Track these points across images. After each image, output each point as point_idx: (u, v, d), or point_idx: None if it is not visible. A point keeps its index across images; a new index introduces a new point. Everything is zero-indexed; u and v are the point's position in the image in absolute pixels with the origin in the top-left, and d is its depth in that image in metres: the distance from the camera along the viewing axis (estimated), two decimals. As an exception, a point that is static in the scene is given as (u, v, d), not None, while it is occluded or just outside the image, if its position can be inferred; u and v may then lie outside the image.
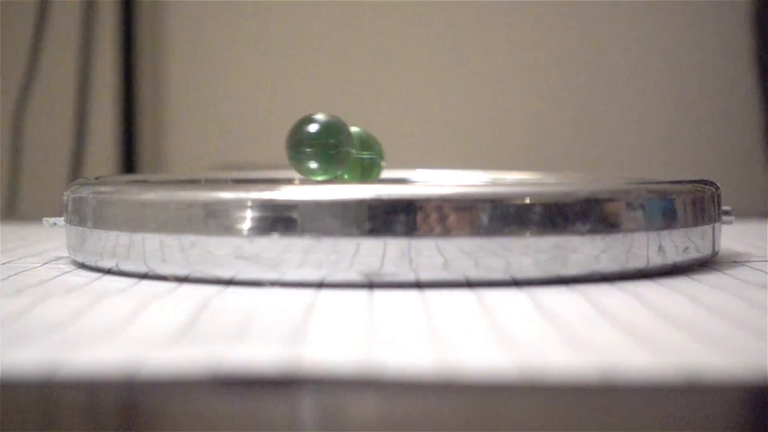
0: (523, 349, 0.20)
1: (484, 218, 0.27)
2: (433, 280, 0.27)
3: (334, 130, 0.32)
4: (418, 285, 0.27)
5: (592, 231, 0.27)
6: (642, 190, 0.29)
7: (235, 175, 0.44)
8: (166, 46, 0.81)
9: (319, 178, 0.33)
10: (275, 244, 0.27)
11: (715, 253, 0.31)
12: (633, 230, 0.28)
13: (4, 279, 0.30)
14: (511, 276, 0.27)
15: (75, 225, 0.31)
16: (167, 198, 0.29)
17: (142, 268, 0.29)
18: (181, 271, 0.28)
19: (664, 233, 0.29)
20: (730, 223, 0.33)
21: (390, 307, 0.24)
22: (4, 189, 0.79)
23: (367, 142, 0.33)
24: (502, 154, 0.79)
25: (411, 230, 0.26)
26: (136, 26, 0.79)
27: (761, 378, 0.18)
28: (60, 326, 0.22)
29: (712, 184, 0.32)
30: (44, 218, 0.34)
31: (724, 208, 0.32)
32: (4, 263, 0.33)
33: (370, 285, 0.27)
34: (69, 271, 0.31)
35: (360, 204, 0.26)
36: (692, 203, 0.30)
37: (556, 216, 0.27)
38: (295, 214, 0.27)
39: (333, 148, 0.32)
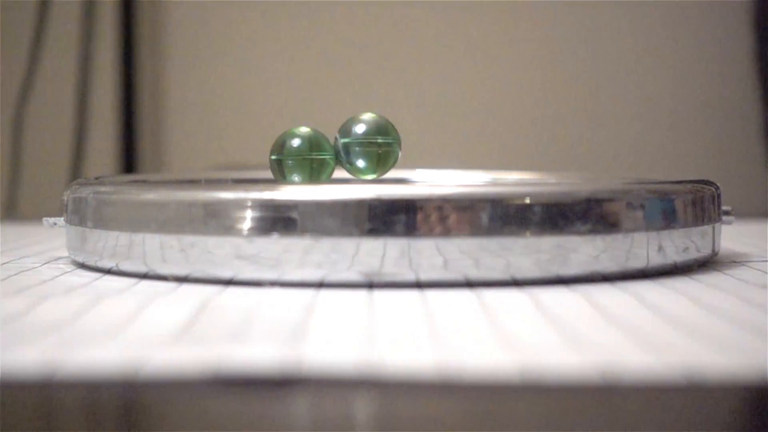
0: (523, 349, 0.19)
1: (484, 218, 0.27)
2: (433, 280, 0.27)
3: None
4: (418, 285, 0.27)
5: (592, 231, 0.27)
6: (642, 190, 0.29)
7: (235, 175, 0.44)
8: (166, 46, 0.81)
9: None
10: (275, 244, 0.27)
11: (715, 253, 0.31)
12: (633, 230, 0.28)
13: (4, 279, 0.30)
14: (511, 276, 0.27)
15: (75, 225, 0.31)
16: (167, 198, 0.29)
17: (142, 268, 0.29)
18: (181, 271, 0.28)
19: (664, 233, 0.29)
20: (730, 223, 0.33)
21: (390, 307, 0.24)
22: (4, 189, 0.79)
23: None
24: (502, 154, 0.79)
25: (411, 230, 0.26)
26: (136, 26, 0.79)
27: (761, 378, 0.18)
28: (60, 326, 0.22)
29: (712, 184, 0.32)
30: (44, 218, 0.34)
31: (724, 208, 0.32)
32: (4, 263, 0.33)
33: (370, 285, 0.27)
34: (69, 271, 0.31)
35: (360, 204, 0.26)
36: (692, 203, 0.30)
37: (556, 216, 0.27)
38: (295, 214, 0.27)
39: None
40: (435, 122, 0.79)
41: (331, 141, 0.33)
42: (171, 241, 0.28)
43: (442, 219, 0.27)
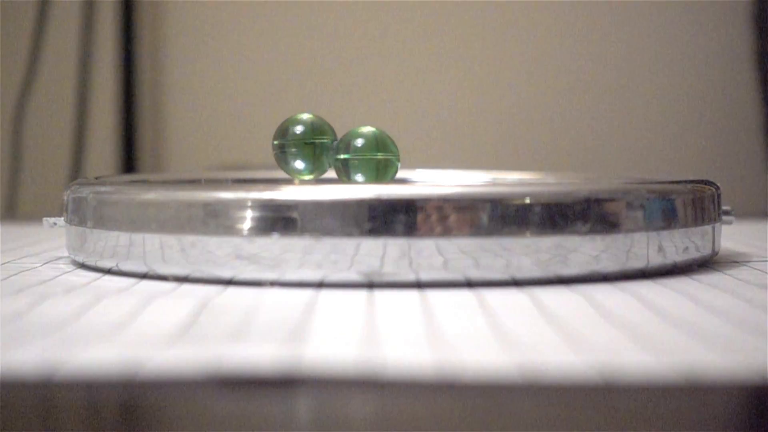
0: (523, 349, 0.20)
1: (484, 218, 0.27)
2: (433, 280, 0.27)
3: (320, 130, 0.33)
4: (418, 285, 0.27)
5: (592, 231, 0.27)
6: (642, 190, 0.29)
7: (235, 175, 0.44)
8: (166, 46, 0.81)
9: (306, 177, 0.33)
10: (275, 244, 0.27)
11: (715, 253, 0.31)
12: (633, 230, 0.28)
13: (4, 279, 0.30)
14: (511, 276, 0.27)
15: (75, 225, 0.31)
16: (167, 198, 0.29)
17: (142, 268, 0.29)
18: (181, 271, 0.28)
19: (664, 233, 0.29)
20: (730, 223, 0.33)
21: (390, 307, 0.24)
22: (4, 189, 0.79)
23: (382, 143, 0.33)
24: (502, 154, 0.79)
25: (411, 230, 0.26)
26: (136, 26, 0.79)
27: (761, 378, 0.18)
28: (60, 326, 0.22)
29: (712, 184, 0.32)
30: (44, 218, 0.34)
31: (724, 208, 0.32)
32: (4, 263, 0.33)
33: (370, 285, 0.27)
34: (69, 271, 0.31)
35: (360, 204, 0.26)
36: (692, 203, 0.30)
37: (556, 216, 0.27)
38: (295, 214, 0.27)
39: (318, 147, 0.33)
40: (435, 122, 0.79)
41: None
42: (171, 241, 0.28)
43: (442, 219, 0.27)
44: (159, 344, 0.20)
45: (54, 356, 0.19)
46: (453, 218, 0.27)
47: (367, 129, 0.33)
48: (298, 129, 0.33)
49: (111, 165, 0.79)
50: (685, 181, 0.31)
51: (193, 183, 0.38)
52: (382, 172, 0.33)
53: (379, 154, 0.33)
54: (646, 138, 0.78)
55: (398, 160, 0.33)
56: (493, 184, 0.39)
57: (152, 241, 0.28)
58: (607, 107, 0.79)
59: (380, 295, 0.26)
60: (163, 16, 0.80)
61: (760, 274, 0.30)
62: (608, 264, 0.28)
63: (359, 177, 0.33)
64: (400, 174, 0.41)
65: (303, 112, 0.34)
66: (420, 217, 0.26)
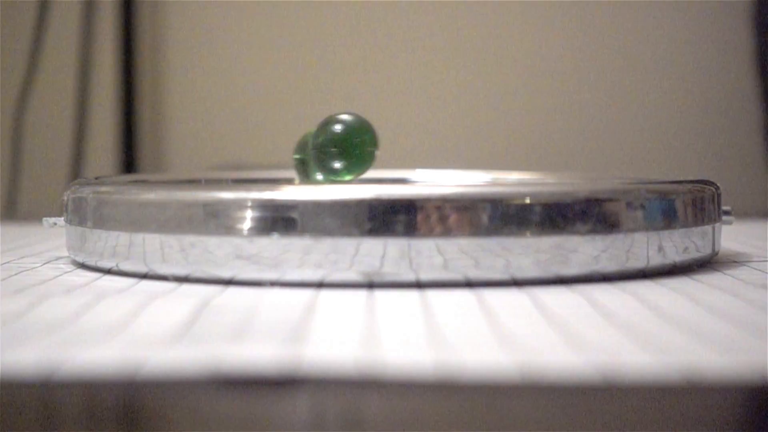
0: (523, 349, 0.20)
1: (484, 218, 0.27)
2: (433, 280, 0.27)
3: (359, 129, 0.32)
4: (418, 285, 0.27)
5: (592, 231, 0.27)
6: (642, 190, 0.29)
7: (235, 175, 0.44)
8: (166, 46, 0.80)
9: (347, 178, 0.33)
10: (275, 244, 0.27)
11: (715, 253, 0.31)
12: (633, 230, 0.28)
13: (4, 279, 0.30)
14: (511, 276, 0.27)
15: (75, 225, 0.31)
16: (167, 198, 0.29)
17: (142, 268, 0.29)
18: (181, 271, 0.28)
19: (664, 233, 0.29)
20: (730, 223, 0.33)
21: (390, 307, 0.24)
22: (4, 189, 0.79)
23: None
24: (502, 154, 0.79)
25: (411, 230, 0.26)
26: (136, 26, 0.79)
27: (761, 378, 0.18)
28: (60, 326, 0.22)
29: (712, 184, 0.32)
30: (44, 218, 0.34)
31: (724, 208, 0.32)
32: (4, 263, 0.33)
33: (370, 285, 0.27)
34: (69, 271, 0.31)
35: (360, 204, 0.26)
36: (692, 203, 0.30)
37: (556, 216, 0.27)
38: (295, 214, 0.27)
39: (357, 147, 0.32)
40: (435, 122, 0.79)
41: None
42: (171, 241, 0.28)
43: (442, 219, 0.27)
44: (159, 344, 0.20)
45: (54, 356, 0.19)
46: (453, 218, 0.27)
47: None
48: (338, 128, 0.32)
49: (111, 165, 0.79)
50: (685, 181, 0.31)
51: (193, 183, 0.38)
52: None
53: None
54: (646, 138, 0.78)
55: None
56: (493, 184, 0.39)
57: (152, 241, 0.28)
58: (607, 107, 0.79)
59: (380, 295, 0.26)
60: (163, 16, 0.80)
61: (760, 274, 0.30)
62: (608, 264, 0.28)
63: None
64: (400, 174, 0.41)
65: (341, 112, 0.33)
66: (420, 217, 0.26)
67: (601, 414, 0.17)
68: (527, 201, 0.27)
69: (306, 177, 0.33)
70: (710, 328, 0.22)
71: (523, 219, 0.27)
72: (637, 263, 0.28)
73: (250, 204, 0.27)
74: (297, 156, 0.33)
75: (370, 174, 0.34)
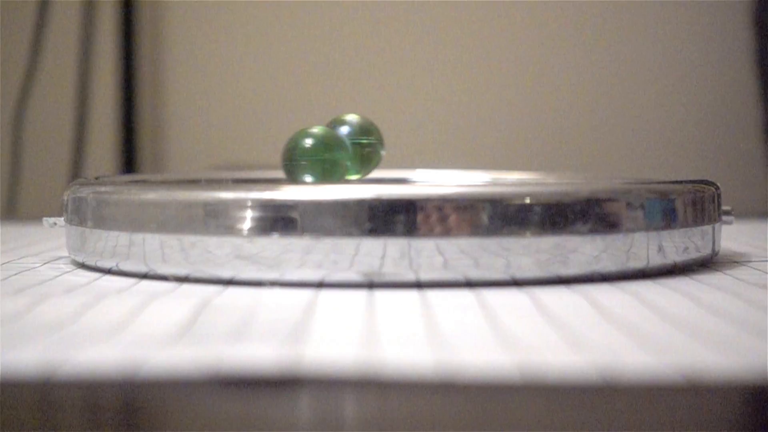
0: (523, 349, 0.20)
1: (484, 218, 0.27)
2: (433, 280, 0.27)
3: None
4: (418, 285, 0.27)
5: (592, 231, 0.27)
6: (642, 190, 0.29)
7: (235, 175, 0.44)
8: (166, 46, 0.81)
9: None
10: (275, 244, 0.27)
11: (715, 253, 0.31)
12: (633, 230, 0.28)
13: (4, 279, 0.30)
14: (511, 276, 0.27)
15: (75, 225, 0.31)
16: (167, 198, 0.29)
17: (142, 268, 0.29)
18: (181, 271, 0.28)
19: (664, 233, 0.29)
20: (730, 223, 0.33)
21: (390, 307, 0.24)
22: (4, 189, 0.79)
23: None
24: (502, 154, 0.79)
25: (411, 230, 0.26)
26: (136, 26, 0.79)
27: (761, 378, 0.18)
28: (60, 326, 0.22)
29: (712, 184, 0.32)
30: (44, 218, 0.34)
31: (724, 208, 0.32)
32: (4, 263, 0.33)
33: (370, 285, 0.27)
34: (69, 271, 0.31)
35: (360, 204, 0.26)
36: (692, 203, 0.30)
37: (556, 216, 0.27)
38: (295, 214, 0.27)
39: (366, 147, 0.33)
40: (435, 122, 0.79)
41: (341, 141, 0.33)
42: (171, 241, 0.28)
43: (442, 219, 0.27)
44: (159, 344, 0.20)
45: (54, 356, 0.19)
46: (453, 218, 0.27)
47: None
48: (345, 129, 0.33)
49: (111, 165, 0.79)
50: (685, 181, 0.31)
51: (193, 183, 0.38)
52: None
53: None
54: (646, 138, 0.78)
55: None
56: (493, 184, 0.39)
57: (152, 241, 0.28)
58: (607, 107, 0.79)
59: (380, 295, 0.26)
60: (163, 16, 0.80)
61: (760, 274, 0.30)
62: (608, 264, 0.28)
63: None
64: (400, 174, 0.41)
65: (347, 113, 0.34)
66: (420, 217, 0.26)
67: (601, 414, 0.17)
68: (527, 201, 0.27)
69: (296, 180, 0.33)
70: (710, 328, 0.22)
71: (523, 219, 0.27)
72: (637, 263, 0.28)
73: (250, 204, 0.27)
74: (286, 159, 0.33)
75: (371, 174, 0.34)
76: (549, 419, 0.17)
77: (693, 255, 0.30)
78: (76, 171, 0.78)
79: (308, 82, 0.80)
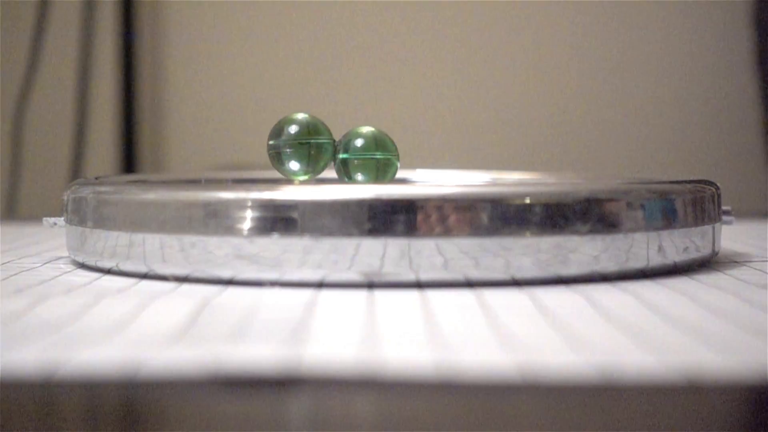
0: (523, 349, 0.20)
1: (484, 218, 0.27)
2: (433, 280, 0.27)
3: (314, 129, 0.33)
4: (418, 285, 0.27)
5: (592, 231, 0.27)
6: (642, 190, 0.29)
7: (235, 175, 0.44)
8: (166, 46, 0.81)
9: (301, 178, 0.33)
10: (275, 244, 0.27)
11: (715, 253, 0.31)
12: (633, 230, 0.28)
13: (4, 279, 0.30)
14: (511, 276, 0.27)
15: (75, 225, 0.31)
16: (167, 198, 0.29)
17: (142, 268, 0.29)
18: (181, 271, 0.28)
19: (664, 233, 0.29)
20: (730, 223, 0.33)
21: (390, 307, 0.24)
22: (4, 189, 0.79)
23: (382, 142, 0.33)
24: (502, 154, 0.79)
25: (411, 230, 0.26)
26: (136, 26, 0.79)
27: (761, 378, 0.18)
28: (60, 326, 0.22)
29: (712, 184, 0.32)
30: (44, 218, 0.34)
31: (724, 208, 0.32)
32: (4, 263, 0.33)
33: (370, 285, 0.27)
34: (69, 271, 0.31)
35: (360, 204, 0.26)
36: (692, 203, 0.30)
37: (556, 216, 0.27)
38: (295, 214, 0.27)
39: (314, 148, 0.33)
40: (435, 122, 0.79)
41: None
42: (171, 241, 0.28)
43: (442, 219, 0.27)
44: (159, 344, 0.20)
45: (54, 356, 0.19)
46: (453, 218, 0.27)
47: (367, 129, 0.33)
48: (293, 129, 0.33)
49: (111, 165, 0.79)
50: (685, 181, 0.31)
51: (193, 183, 0.38)
52: (381, 171, 0.33)
53: (378, 153, 0.33)
54: (646, 138, 0.78)
55: (398, 160, 0.33)
56: (493, 184, 0.38)
57: (152, 241, 0.28)
58: (607, 107, 0.79)
59: (380, 295, 0.26)
60: (163, 16, 0.80)
61: (760, 274, 0.30)
62: (608, 264, 0.28)
63: (359, 177, 0.33)
64: (400, 174, 0.41)
65: (298, 111, 0.34)
66: (420, 217, 0.26)
67: (601, 414, 0.17)
68: (527, 201, 0.27)
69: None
70: (710, 328, 0.22)
71: (523, 219, 0.27)
72: (637, 263, 0.28)
73: (250, 204, 0.27)
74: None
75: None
76: (549, 419, 0.17)
77: (693, 255, 0.30)
78: (76, 171, 0.78)
79: (308, 83, 0.80)
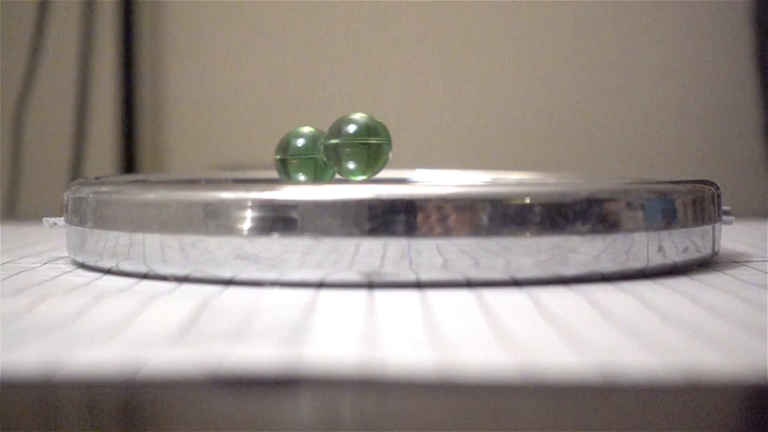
0: (523, 349, 0.20)
1: (484, 218, 0.27)
2: (433, 280, 0.27)
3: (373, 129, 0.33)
4: (418, 285, 0.27)
5: (592, 231, 0.27)
6: (642, 190, 0.29)
7: (235, 175, 0.44)
8: (166, 46, 0.81)
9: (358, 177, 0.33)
10: (275, 244, 0.27)
11: (715, 253, 0.31)
12: (633, 230, 0.28)
13: (4, 279, 0.30)
14: (511, 276, 0.27)
15: (75, 225, 0.31)
16: (167, 198, 0.29)
17: (142, 268, 0.29)
18: (181, 271, 0.28)
19: (664, 233, 0.29)
20: (730, 223, 0.33)
21: (390, 307, 0.24)
22: (4, 189, 0.79)
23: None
24: (502, 154, 0.79)
25: (411, 230, 0.26)
26: (136, 26, 0.79)
27: (761, 378, 0.18)
28: (60, 326, 0.22)
29: (712, 184, 0.32)
30: (44, 218, 0.34)
31: (724, 208, 0.32)
32: (4, 263, 0.33)
33: (370, 285, 0.27)
34: (69, 271, 0.31)
35: (360, 204, 0.26)
36: (692, 203, 0.30)
37: (556, 216, 0.27)
38: (295, 214, 0.27)
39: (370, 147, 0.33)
40: (435, 122, 0.79)
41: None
42: (171, 241, 0.28)
43: (442, 219, 0.27)
44: (159, 344, 0.20)
45: (54, 356, 0.19)
46: (453, 218, 0.27)
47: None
48: (352, 128, 0.33)
49: (111, 165, 0.79)
50: (685, 181, 0.31)
51: (193, 183, 0.38)
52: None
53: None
54: (646, 138, 0.78)
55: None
56: (493, 184, 0.39)
57: (152, 241, 0.28)
58: (607, 107, 0.79)
59: (380, 295, 0.26)
60: (163, 16, 0.80)
61: (760, 274, 0.30)
62: (608, 264, 0.28)
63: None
64: (400, 174, 0.41)
65: (355, 112, 0.33)
66: (420, 217, 0.26)
67: (601, 414, 0.17)
68: (527, 201, 0.27)
69: (288, 177, 0.33)
70: (710, 328, 0.22)
71: (523, 219, 0.27)
72: (637, 263, 0.28)
73: (250, 204, 0.27)
74: (278, 157, 0.33)
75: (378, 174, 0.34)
76: (549, 419, 0.17)
77: (693, 255, 0.30)
78: (76, 171, 0.78)
79: (308, 82, 0.80)
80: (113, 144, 0.80)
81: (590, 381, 0.18)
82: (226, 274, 0.27)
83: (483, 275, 0.27)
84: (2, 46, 0.80)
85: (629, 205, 0.28)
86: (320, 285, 0.27)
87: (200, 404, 0.17)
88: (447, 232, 0.26)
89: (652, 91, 0.78)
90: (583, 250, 0.27)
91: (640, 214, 0.28)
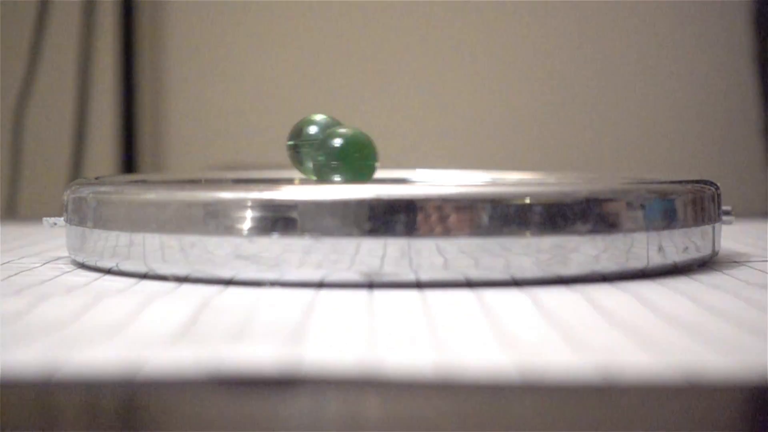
0: (523, 349, 0.20)
1: (484, 218, 0.27)
2: (433, 280, 0.27)
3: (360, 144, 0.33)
4: (418, 285, 0.27)
5: (592, 231, 0.27)
6: (642, 190, 0.29)
7: (235, 175, 0.44)
8: (166, 46, 0.81)
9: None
10: (275, 244, 0.27)
11: (715, 253, 0.31)
12: (633, 230, 0.28)
13: (4, 279, 0.30)
14: (511, 276, 0.27)
15: (75, 225, 0.31)
16: (167, 198, 0.29)
17: (142, 268, 0.29)
18: (181, 271, 0.28)
19: (664, 233, 0.29)
20: (730, 223, 0.33)
21: (390, 307, 0.24)
22: (4, 189, 0.79)
23: (360, 143, 0.33)
24: (502, 154, 0.79)
25: (411, 230, 0.26)
26: (136, 26, 0.79)
27: (761, 378, 0.18)
28: (60, 326, 0.22)
29: (712, 184, 0.32)
30: (44, 218, 0.34)
31: (724, 208, 0.32)
32: (4, 263, 0.33)
33: (370, 285, 0.27)
34: (69, 271, 0.31)
35: (360, 204, 0.26)
36: (692, 203, 0.30)
37: (556, 216, 0.27)
38: (295, 214, 0.27)
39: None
40: (435, 122, 0.79)
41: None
42: (171, 241, 0.28)
43: (442, 219, 0.26)
44: (159, 344, 0.20)
45: (54, 356, 0.19)
46: (453, 218, 0.27)
47: (346, 130, 0.33)
48: (312, 130, 0.33)
49: (111, 165, 0.79)
50: (685, 181, 0.31)
51: (193, 183, 0.38)
52: (359, 174, 0.33)
53: (357, 155, 0.33)
54: (646, 138, 0.78)
55: (377, 161, 0.33)
56: (493, 184, 0.38)
57: (152, 241, 0.28)
58: (607, 107, 0.79)
59: (380, 295, 0.26)
60: (163, 16, 0.80)
61: (760, 274, 0.30)
62: (608, 264, 0.28)
63: (336, 178, 0.32)
64: (400, 174, 0.41)
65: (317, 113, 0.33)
66: (420, 217, 0.26)
67: (601, 414, 0.17)
68: (527, 201, 0.27)
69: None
70: (710, 328, 0.22)
71: (523, 219, 0.27)
72: (637, 263, 0.28)
73: (250, 204, 0.27)
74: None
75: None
76: (549, 419, 0.17)
77: (693, 255, 0.30)
78: (76, 171, 0.78)
79: (308, 82, 0.80)
80: (113, 144, 0.80)
81: (590, 381, 0.18)
82: (226, 274, 0.27)
83: (483, 275, 0.27)
84: (2, 46, 0.80)
85: (629, 205, 0.28)
86: (320, 285, 0.27)
87: (200, 404, 0.17)
88: (447, 232, 0.26)
89: (653, 92, 0.78)
90: (583, 250, 0.27)
91: (640, 214, 0.28)
